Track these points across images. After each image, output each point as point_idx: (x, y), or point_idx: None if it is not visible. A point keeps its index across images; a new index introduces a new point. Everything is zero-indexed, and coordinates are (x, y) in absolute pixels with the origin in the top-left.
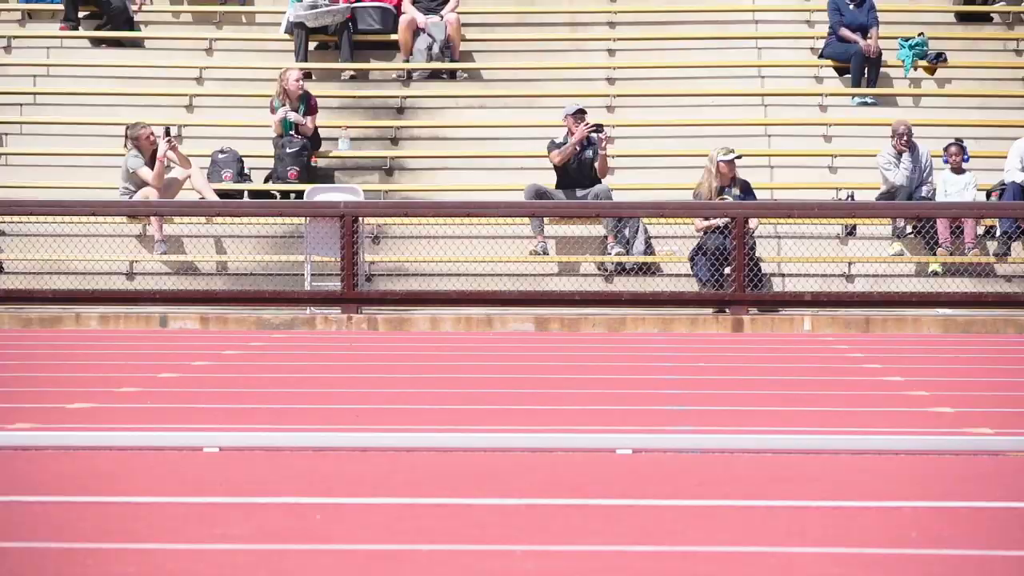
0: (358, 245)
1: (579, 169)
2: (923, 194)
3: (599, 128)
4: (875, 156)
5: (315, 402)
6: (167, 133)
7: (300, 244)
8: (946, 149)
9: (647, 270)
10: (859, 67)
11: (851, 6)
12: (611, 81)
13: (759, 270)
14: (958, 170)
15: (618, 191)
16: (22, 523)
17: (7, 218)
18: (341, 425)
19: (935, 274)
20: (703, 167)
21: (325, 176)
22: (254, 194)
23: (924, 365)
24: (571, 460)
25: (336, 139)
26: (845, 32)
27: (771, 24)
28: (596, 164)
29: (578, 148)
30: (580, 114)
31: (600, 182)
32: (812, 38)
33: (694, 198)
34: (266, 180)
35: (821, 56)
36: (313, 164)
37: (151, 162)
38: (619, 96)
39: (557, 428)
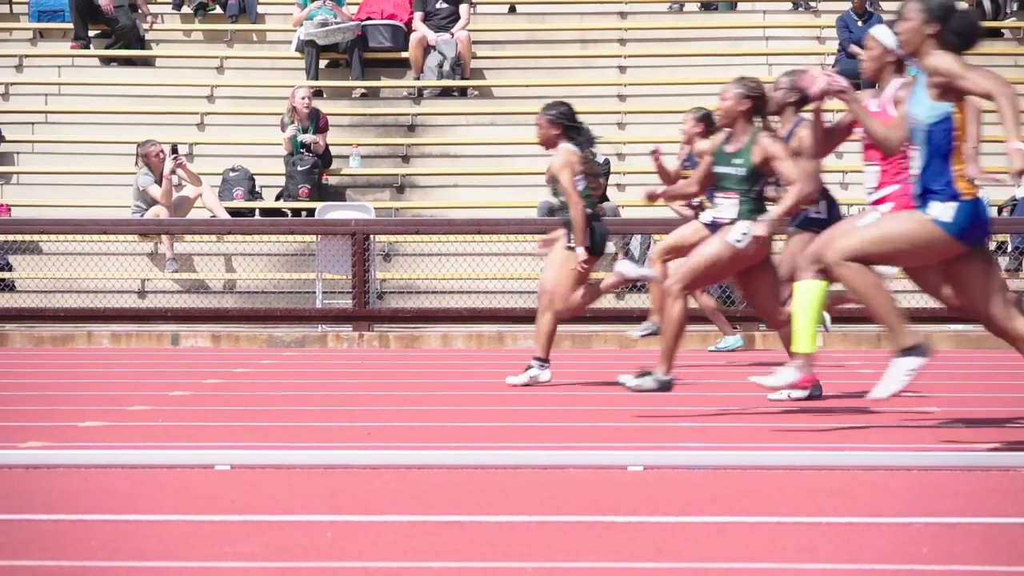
0: (369, 263)
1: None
2: None
3: None
4: None
5: (326, 420)
6: (174, 151)
7: (311, 262)
8: None
9: None
10: (869, 83)
11: (859, 23)
12: (622, 98)
13: None
14: None
15: (629, 207)
16: (34, 541)
17: (19, 236)
18: (352, 443)
19: None
20: None
21: (336, 194)
22: (265, 212)
23: (936, 381)
24: (582, 477)
25: (347, 157)
26: (855, 49)
27: (782, 40)
28: None
29: None
30: None
31: (608, 199)
32: (823, 55)
33: None
34: (277, 198)
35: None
36: (324, 182)
37: (161, 180)
38: (630, 113)
39: (568, 445)
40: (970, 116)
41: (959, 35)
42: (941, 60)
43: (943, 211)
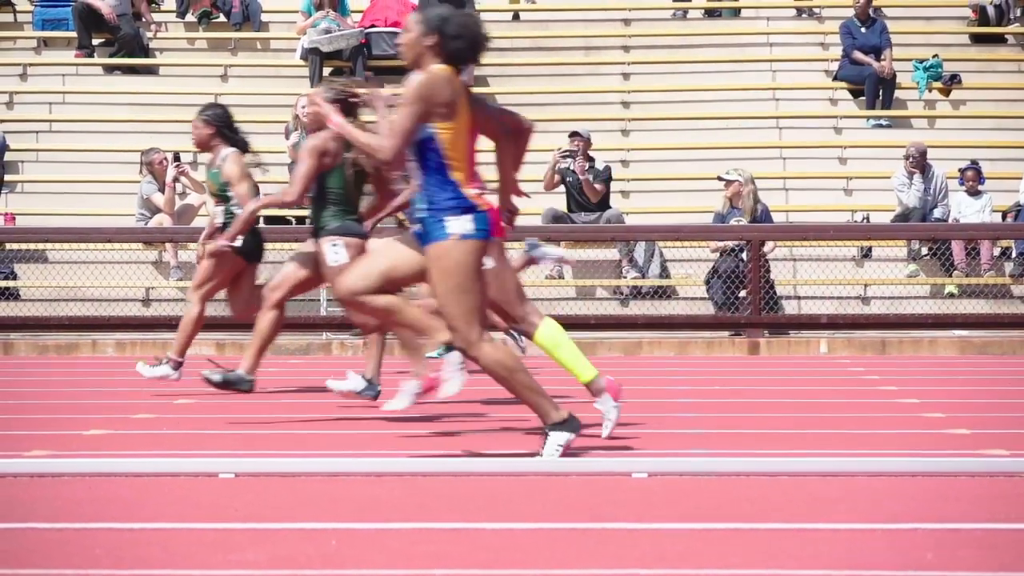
0: None
1: (582, 193)
2: (937, 216)
3: (572, 153)
4: (890, 178)
5: (330, 427)
6: (176, 159)
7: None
8: (962, 172)
9: (663, 293)
10: (873, 89)
11: (862, 28)
12: (626, 105)
13: (774, 293)
14: (974, 193)
15: (633, 214)
16: (38, 550)
17: (23, 245)
18: (356, 450)
19: (951, 296)
20: (718, 190)
21: None
22: (269, 220)
23: (940, 387)
24: (586, 484)
25: None
26: (858, 55)
27: (785, 47)
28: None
29: (572, 171)
30: (572, 136)
31: (610, 207)
32: (826, 60)
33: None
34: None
35: (835, 78)
36: None
37: (164, 188)
38: (634, 120)
39: (572, 452)
40: (461, 136)
41: (457, 38)
42: (409, 83)
43: (462, 225)
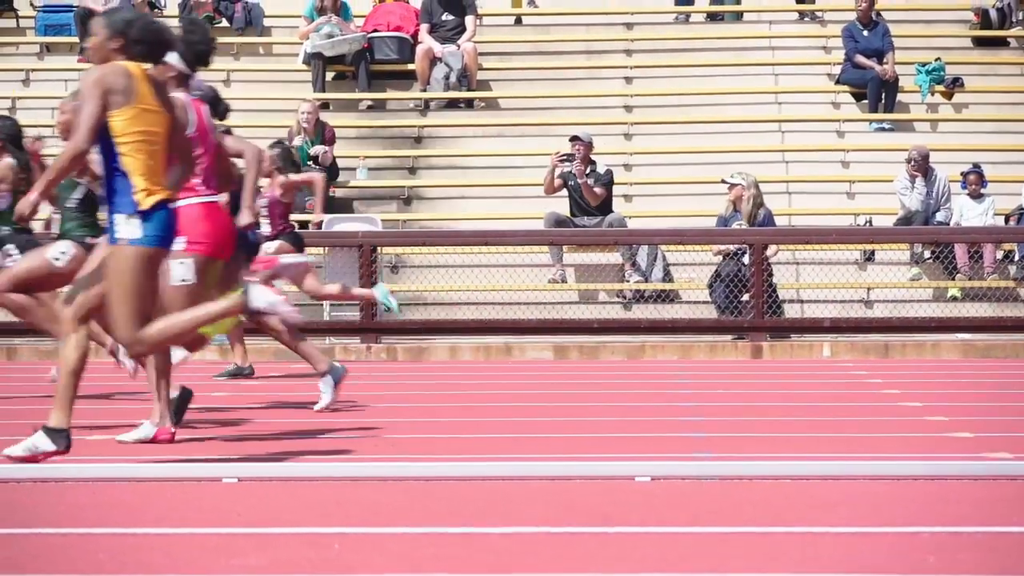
0: (377, 275)
1: (583, 197)
2: (939, 219)
3: (569, 157)
4: (892, 181)
5: (333, 431)
6: None
7: (319, 274)
8: (965, 175)
9: (666, 297)
10: (876, 93)
11: (864, 32)
12: (628, 109)
13: (777, 297)
14: (977, 196)
15: (636, 218)
16: (42, 555)
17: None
18: (359, 455)
19: (954, 299)
20: (721, 194)
21: (343, 206)
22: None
23: (943, 390)
24: (589, 488)
25: (354, 169)
26: (860, 58)
27: (788, 51)
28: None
29: (574, 175)
30: (572, 140)
31: (612, 211)
32: (829, 64)
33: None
34: None
35: (838, 82)
36: (331, 194)
37: None
38: (636, 124)
39: (576, 456)
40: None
41: (140, 44)
42: (86, 76)
43: (131, 230)
